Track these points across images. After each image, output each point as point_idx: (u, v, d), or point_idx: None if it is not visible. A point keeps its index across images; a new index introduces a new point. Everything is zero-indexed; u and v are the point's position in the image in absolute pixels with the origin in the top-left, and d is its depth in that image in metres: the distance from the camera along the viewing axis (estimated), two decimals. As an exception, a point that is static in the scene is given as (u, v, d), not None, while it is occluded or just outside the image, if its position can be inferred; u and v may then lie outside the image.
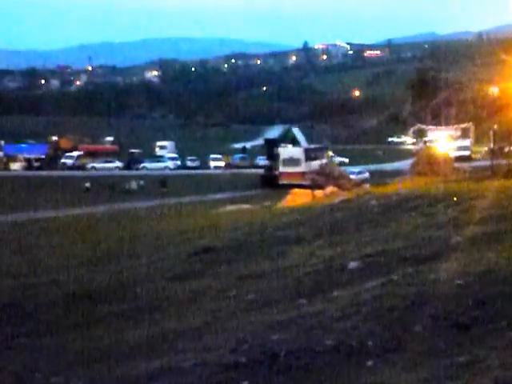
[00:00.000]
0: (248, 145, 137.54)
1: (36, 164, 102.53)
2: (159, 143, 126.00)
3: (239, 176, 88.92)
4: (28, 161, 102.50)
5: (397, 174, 63.04)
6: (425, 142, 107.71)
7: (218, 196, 66.76)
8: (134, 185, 76.66)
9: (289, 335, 9.06)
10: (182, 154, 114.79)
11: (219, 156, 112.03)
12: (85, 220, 49.06)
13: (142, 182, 77.44)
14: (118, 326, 12.68)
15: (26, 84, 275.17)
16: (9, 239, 40.00)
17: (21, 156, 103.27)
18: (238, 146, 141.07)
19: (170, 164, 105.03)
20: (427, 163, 58.92)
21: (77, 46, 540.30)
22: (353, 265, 13.49)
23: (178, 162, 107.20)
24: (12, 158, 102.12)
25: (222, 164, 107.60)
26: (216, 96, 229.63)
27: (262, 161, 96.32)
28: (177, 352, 9.45)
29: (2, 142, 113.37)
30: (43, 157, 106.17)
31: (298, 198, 46.72)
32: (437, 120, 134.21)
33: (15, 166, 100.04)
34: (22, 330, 13.97)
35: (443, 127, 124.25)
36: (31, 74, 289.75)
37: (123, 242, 31.99)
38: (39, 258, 29.36)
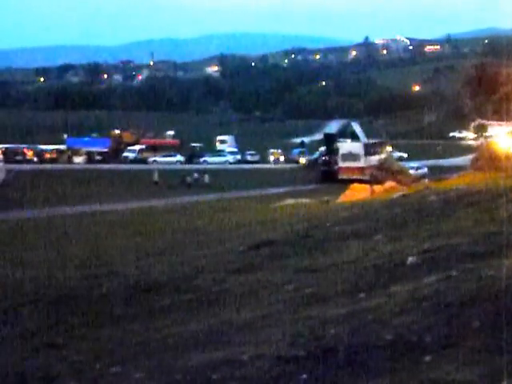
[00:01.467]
0: (307, 139, 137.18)
1: (98, 157, 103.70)
2: (220, 137, 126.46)
3: (298, 170, 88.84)
4: (89, 154, 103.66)
5: (457, 169, 62.39)
6: (486, 138, 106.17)
7: (277, 190, 66.82)
8: (194, 178, 77.38)
9: (347, 330, 9.06)
10: (241, 148, 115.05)
11: (279, 150, 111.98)
12: (147, 213, 49.59)
13: (207, 177, 77.94)
14: (177, 318, 12.80)
15: (89, 79, 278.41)
16: (72, 231, 40.64)
17: (83, 150, 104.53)
18: (297, 140, 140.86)
19: (230, 158, 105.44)
20: (488, 159, 58.12)
21: (139, 42, 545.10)
22: (412, 260, 13.42)
23: (238, 156, 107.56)
24: (75, 152, 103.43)
25: (282, 158, 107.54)
26: (275, 91, 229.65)
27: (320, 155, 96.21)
28: (235, 344, 9.51)
29: (66, 136, 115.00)
30: (106, 150, 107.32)
31: (356, 192, 46.62)
32: (498, 115, 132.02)
33: (78, 160, 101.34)
34: (83, 320, 14.20)
35: (504, 123, 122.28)
36: (94, 69, 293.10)
37: (184, 235, 32.29)
38: (102, 250, 29.80)
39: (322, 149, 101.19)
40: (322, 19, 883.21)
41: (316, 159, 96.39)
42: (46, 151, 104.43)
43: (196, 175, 78.50)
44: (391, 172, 67.29)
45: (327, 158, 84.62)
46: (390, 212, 23.61)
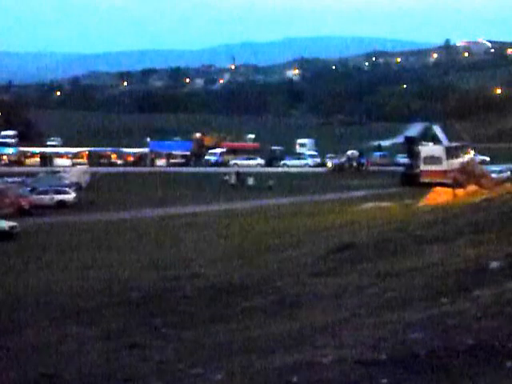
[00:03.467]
0: (387, 143, 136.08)
1: (180, 160, 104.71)
2: (299, 141, 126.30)
3: (378, 174, 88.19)
4: (171, 157, 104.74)
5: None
6: None
7: (357, 193, 66.44)
8: (272, 182, 77.64)
9: (429, 334, 9.00)
10: (321, 151, 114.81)
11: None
12: (227, 215, 49.86)
13: (251, 179, 78.00)
14: (259, 320, 12.87)
15: (171, 83, 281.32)
16: (154, 233, 41.16)
17: (165, 153, 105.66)
18: (375, 143, 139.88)
19: (310, 161, 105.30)
20: None
21: (221, 46, 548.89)
22: (495, 264, 13.25)
23: (318, 160, 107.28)
24: (158, 155, 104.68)
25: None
26: (356, 94, 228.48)
27: (402, 159, 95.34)
28: (316, 347, 9.52)
29: (148, 139, 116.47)
30: (188, 153, 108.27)
31: (438, 196, 45.98)
32: None
33: (160, 163, 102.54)
34: (166, 321, 14.39)
35: None
36: (176, 73, 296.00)
37: (265, 238, 32.37)
38: (183, 251, 30.10)
39: (349, 152, 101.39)
40: (403, 22, 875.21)
41: (343, 163, 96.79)
42: (129, 154, 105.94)
43: (226, 177, 79.03)
44: (473, 176, 66.21)
45: (408, 161, 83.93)
46: (472, 216, 23.30)
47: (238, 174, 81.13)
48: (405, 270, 15.17)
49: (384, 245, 20.20)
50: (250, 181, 77.53)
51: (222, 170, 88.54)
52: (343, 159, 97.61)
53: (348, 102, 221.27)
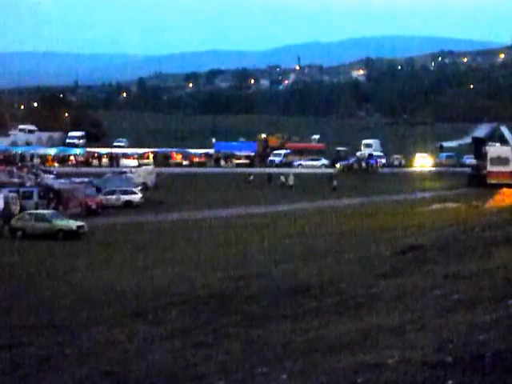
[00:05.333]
0: (454, 143, 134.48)
1: (245, 161, 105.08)
2: (365, 141, 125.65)
3: (445, 175, 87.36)
4: (236, 158, 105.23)
5: None
6: None
7: (424, 194, 65.92)
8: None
9: (496, 336, 8.91)
10: (387, 152, 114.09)
11: (425, 154, 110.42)
12: (291, 216, 49.87)
13: (292, 178, 77.80)
14: (324, 320, 12.86)
15: (237, 84, 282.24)
16: (218, 233, 41.39)
17: (230, 153, 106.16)
18: (445, 144, 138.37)
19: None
20: None
21: (285, 46, 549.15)
22: None
23: (383, 160, 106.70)
24: (223, 156, 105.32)
25: (429, 163, 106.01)
26: (422, 94, 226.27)
27: (468, 159, 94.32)
28: (381, 348, 9.49)
29: (214, 140, 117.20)
30: (253, 154, 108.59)
31: (506, 197, 45.43)
32: None
33: (225, 163, 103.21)
34: (231, 320, 14.47)
35: None
36: (242, 74, 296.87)
37: (330, 239, 32.33)
38: (248, 251, 30.21)
39: (359, 153, 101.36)
40: (471, 22, 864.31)
41: (352, 164, 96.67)
42: (194, 155, 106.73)
43: (282, 178, 78.77)
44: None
45: (475, 162, 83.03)
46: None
47: (269, 175, 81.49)
48: (472, 271, 15.01)
49: (451, 246, 20.02)
50: (291, 180, 77.51)
51: (285, 170, 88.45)
52: (352, 160, 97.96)
53: (414, 102, 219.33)
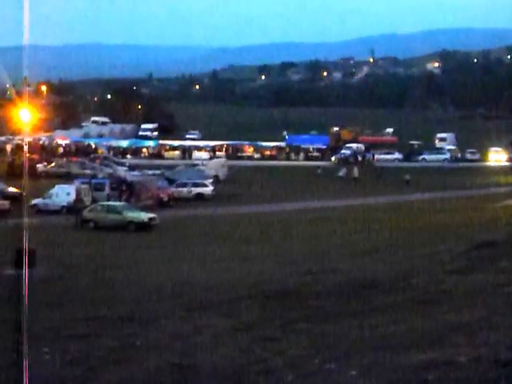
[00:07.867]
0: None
1: (317, 154, 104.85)
2: (439, 135, 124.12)
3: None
4: (307, 151, 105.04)
5: None
6: None
7: (499, 190, 64.80)
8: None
9: None
10: (462, 146, 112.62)
11: (499, 149, 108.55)
12: (361, 210, 49.51)
13: (356, 170, 77.18)
14: (394, 316, 12.72)
15: (309, 76, 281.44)
16: (290, 227, 41.26)
17: (302, 147, 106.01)
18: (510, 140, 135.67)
19: (449, 156, 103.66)
20: None
21: (360, 38, 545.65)
22: None
23: (458, 155, 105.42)
24: (294, 149, 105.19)
25: (503, 157, 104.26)
26: (498, 88, 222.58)
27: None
28: (452, 346, 9.35)
29: (285, 133, 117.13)
30: (325, 147, 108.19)
31: None
32: None
33: (297, 157, 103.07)
34: (300, 315, 14.39)
35: None
36: (314, 67, 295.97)
37: (402, 233, 32.04)
38: (318, 246, 30.12)
39: (354, 146, 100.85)
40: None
41: (347, 157, 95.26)
42: (266, 148, 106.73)
43: (344, 170, 78.21)
44: None
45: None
46: None
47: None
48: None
49: (525, 243, 19.66)
50: (356, 172, 76.98)
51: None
52: (348, 153, 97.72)
53: (489, 95, 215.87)
